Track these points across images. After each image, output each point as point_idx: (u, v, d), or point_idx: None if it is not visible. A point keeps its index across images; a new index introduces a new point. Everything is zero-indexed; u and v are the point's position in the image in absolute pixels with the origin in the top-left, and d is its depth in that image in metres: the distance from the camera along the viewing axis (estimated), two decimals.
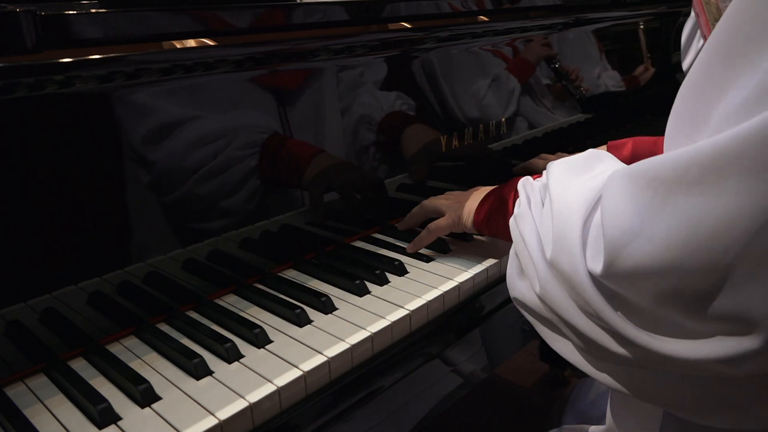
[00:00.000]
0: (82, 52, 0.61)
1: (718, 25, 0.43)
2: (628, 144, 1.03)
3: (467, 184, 1.13)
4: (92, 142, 0.65)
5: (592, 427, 0.79)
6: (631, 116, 1.62)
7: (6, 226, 0.60)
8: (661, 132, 1.47)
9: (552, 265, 0.53)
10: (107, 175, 0.67)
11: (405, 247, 0.89)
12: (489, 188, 0.85)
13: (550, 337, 0.60)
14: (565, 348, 0.59)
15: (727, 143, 0.39)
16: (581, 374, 0.70)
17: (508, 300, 0.83)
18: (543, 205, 0.60)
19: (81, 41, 0.62)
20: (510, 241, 0.66)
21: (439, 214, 0.88)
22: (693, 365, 0.45)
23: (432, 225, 0.86)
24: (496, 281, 0.84)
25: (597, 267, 0.47)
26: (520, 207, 0.63)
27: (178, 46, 0.68)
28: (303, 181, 0.85)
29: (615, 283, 0.47)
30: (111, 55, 0.63)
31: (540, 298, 0.57)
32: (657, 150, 1.02)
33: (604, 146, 1.05)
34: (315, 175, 0.86)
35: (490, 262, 0.83)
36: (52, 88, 0.61)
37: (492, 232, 0.79)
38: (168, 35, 0.68)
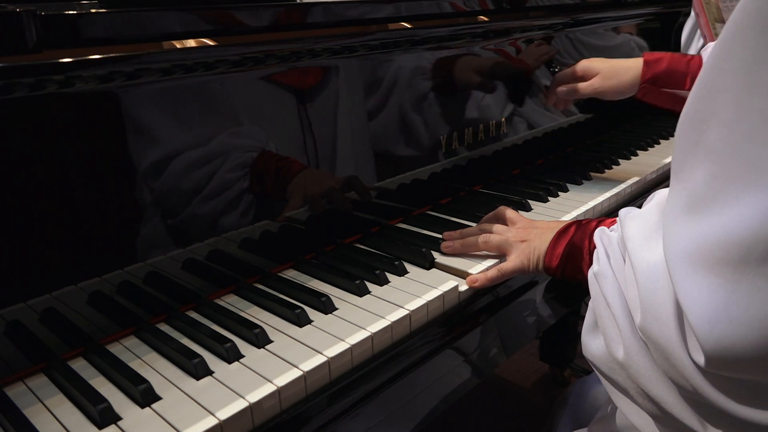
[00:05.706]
0: (82, 52, 0.61)
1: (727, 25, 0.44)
2: (664, 61, 1.08)
3: (468, 183, 1.13)
4: (92, 142, 0.65)
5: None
6: (631, 116, 1.61)
7: (6, 226, 0.60)
8: (661, 131, 1.46)
9: (642, 332, 0.52)
10: (107, 174, 0.67)
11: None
12: (554, 224, 0.82)
13: (623, 402, 0.59)
14: (639, 419, 0.57)
15: None
16: (581, 374, 0.69)
17: (508, 301, 0.83)
18: (624, 261, 0.58)
19: (81, 41, 0.62)
20: (586, 286, 0.64)
21: (503, 253, 0.84)
22: None
23: (500, 270, 0.81)
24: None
25: (699, 358, 0.46)
26: (599, 263, 0.61)
27: (178, 46, 0.68)
28: (304, 191, 0.85)
29: (722, 369, 0.46)
30: (111, 55, 0.63)
31: (623, 365, 0.55)
32: (690, 71, 1.06)
33: (641, 59, 1.10)
34: (312, 182, 0.86)
35: (489, 262, 0.83)
36: (53, 88, 0.61)
37: (567, 279, 0.77)
38: (168, 35, 0.68)
